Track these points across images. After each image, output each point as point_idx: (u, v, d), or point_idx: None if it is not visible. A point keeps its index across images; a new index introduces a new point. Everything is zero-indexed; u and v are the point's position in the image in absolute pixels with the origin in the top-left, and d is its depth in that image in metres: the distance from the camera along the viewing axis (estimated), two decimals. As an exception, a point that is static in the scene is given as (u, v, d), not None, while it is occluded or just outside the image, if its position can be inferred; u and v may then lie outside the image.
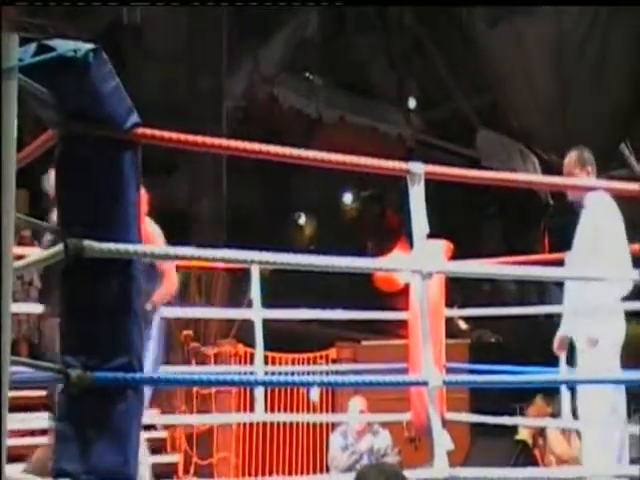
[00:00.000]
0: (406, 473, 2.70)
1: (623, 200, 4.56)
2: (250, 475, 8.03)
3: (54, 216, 4.29)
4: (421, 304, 3.42)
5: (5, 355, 2.11)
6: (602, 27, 13.43)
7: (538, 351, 5.77)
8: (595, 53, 13.53)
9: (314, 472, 8.05)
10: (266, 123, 13.71)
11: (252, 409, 5.70)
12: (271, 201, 14.94)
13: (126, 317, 2.59)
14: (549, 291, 11.90)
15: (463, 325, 12.17)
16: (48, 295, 4.32)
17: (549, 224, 14.14)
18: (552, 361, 5.05)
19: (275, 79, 13.89)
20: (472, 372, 6.35)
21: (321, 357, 8.32)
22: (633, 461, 4.57)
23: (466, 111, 15.39)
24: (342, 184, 15.43)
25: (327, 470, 7.28)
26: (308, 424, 8.34)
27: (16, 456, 3.87)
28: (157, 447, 7.55)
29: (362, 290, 10.72)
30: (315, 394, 7.96)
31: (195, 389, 7.58)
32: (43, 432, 4.99)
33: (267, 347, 5.54)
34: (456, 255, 5.62)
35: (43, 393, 4.71)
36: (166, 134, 2.81)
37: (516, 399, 8.24)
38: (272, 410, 7.06)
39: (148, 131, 2.69)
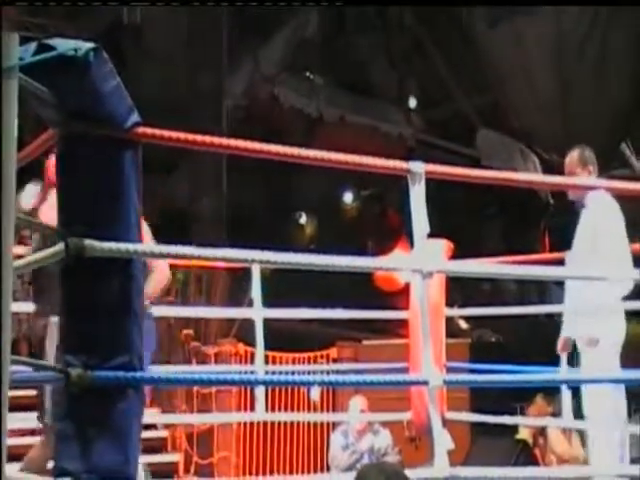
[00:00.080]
0: (407, 472, 2.70)
1: (624, 200, 4.56)
2: (251, 474, 8.03)
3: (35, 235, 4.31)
4: (421, 303, 3.42)
5: (5, 354, 2.11)
6: (602, 27, 13.43)
7: (538, 350, 5.77)
8: (595, 53, 13.53)
9: (315, 471, 8.05)
10: (266, 122, 13.71)
11: (253, 408, 5.70)
12: (272, 200, 14.93)
13: (126, 316, 2.59)
14: (549, 291, 11.89)
15: (463, 324, 12.17)
16: (38, 295, 4.32)
17: (549, 224, 14.13)
18: (553, 361, 5.05)
19: (275, 79, 13.88)
20: (472, 371, 6.34)
21: (322, 356, 8.32)
22: (633, 461, 4.58)
23: (467, 111, 15.38)
24: (343, 183, 15.42)
25: (328, 469, 7.29)
26: (309, 423, 8.34)
27: (16, 456, 3.86)
28: (157, 446, 7.56)
29: (363, 289, 10.72)
30: (316, 393, 7.97)
31: (195, 388, 7.58)
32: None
33: (268, 346, 5.54)
34: (456, 255, 5.61)
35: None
36: (166, 133, 2.81)
37: (516, 398, 8.25)
38: (273, 409, 7.06)
39: (149, 130, 2.69)
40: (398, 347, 6.65)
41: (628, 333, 4.60)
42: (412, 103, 15.58)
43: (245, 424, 8.13)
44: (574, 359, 4.80)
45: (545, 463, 7.13)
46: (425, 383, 3.39)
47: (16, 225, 2.20)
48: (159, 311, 6.80)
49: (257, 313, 5.53)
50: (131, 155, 2.62)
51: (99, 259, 2.52)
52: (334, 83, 14.73)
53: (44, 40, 2.39)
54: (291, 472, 8.18)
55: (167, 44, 13.00)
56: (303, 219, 15.73)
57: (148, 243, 4.02)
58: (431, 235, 3.42)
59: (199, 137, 2.92)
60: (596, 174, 4.79)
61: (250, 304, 5.66)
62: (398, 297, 9.69)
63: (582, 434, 6.81)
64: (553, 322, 6.24)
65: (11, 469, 2.43)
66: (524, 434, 7.37)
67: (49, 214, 4.12)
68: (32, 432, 5.93)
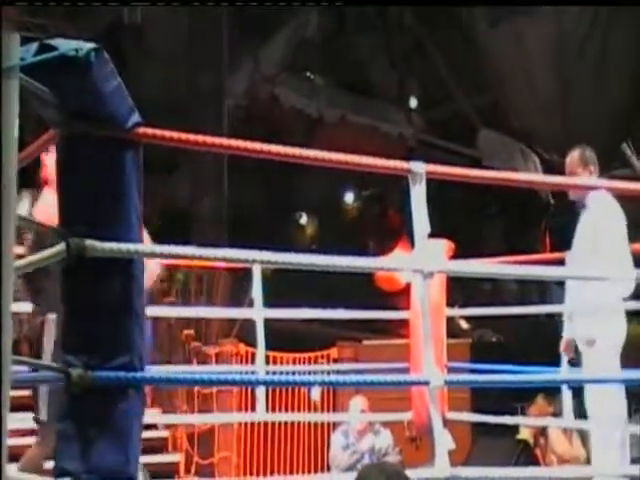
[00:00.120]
0: (407, 473, 2.70)
1: (625, 200, 4.56)
2: (251, 474, 8.03)
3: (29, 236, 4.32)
4: (422, 303, 3.42)
5: (6, 354, 2.11)
6: (602, 27, 13.43)
7: (539, 351, 5.77)
8: (595, 53, 13.53)
9: (315, 471, 8.05)
10: (267, 123, 13.71)
11: (253, 409, 5.70)
12: (272, 200, 14.93)
13: (127, 316, 2.59)
14: (550, 291, 11.89)
15: (464, 325, 12.17)
16: (35, 293, 4.32)
17: (550, 224, 14.12)
18: (553, 361, 5.05)
19: (276, 79, 13.89)
20: (473, 372, 6.34)
21: (322, 357, 8.32)
22: (634, 461, 4.57)
23: (467, 111, 15.38)
24: (343, 184, 15.43)
25: (328, 469, 7.29)
26: (309, 423, 8.34)
27: (16, 456, 3.86)
28: (158, 446, 7.56)
29: (363, 290, 10.72)
30: (316, 393, 7.97)
31: (196, 389, 7.58)
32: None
33: (268, 347, 5.54)
34: (457, 255, 5.61)
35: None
36: (167, 133, 2.81)
37: (517, 399, 8.24)
38: (273, 410, 7.06)
39: (149, 130, 2.69)
40: (399, 347, 6.65)
41: (629, 334, 4.59)
42: (412, 103, 15.58)
43: (246, 424, 8.13)
44: (579, 359, 4.79)
45: (546, 463, 7.13)
46: (426, 383, 3.39)
47: (17, 225, 2.20)
48: (160, 311, 6.82)
49: (258, 313, 5.53)
50: (132, 155, 2.62)
51: (100, 259, 2.53)
52: (334, 83, 14.74)
53: (45, 40, 2.39)
54: (292, 472, 8.18)
55: (168, 44, 13.01)
56: (304, 219, 15.73)
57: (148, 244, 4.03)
58: (432, 235, 3.42)
59: (200, 137, 2.93)
60: (597, 174, 4.78)
61: (251, 304, 5.66)
62: (399, 297, 9.69)
63: (583, 434, 6.82)
64: (554, 322, 6.24)
65: (11, 469, 2.43)
66: (525, 434, 7.37)
67: (43, 212, 4.12)
68: (31, 432, 5.93)
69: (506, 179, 4.14)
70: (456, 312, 7.51)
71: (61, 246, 2.53)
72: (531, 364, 5.16)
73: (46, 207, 4.16)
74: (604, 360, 4.45)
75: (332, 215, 15.64)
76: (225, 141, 3.22)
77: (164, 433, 7.81)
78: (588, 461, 6.05)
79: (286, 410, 7.82)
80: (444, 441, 3.45)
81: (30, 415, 4.41)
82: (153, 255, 2.78)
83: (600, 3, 12.76)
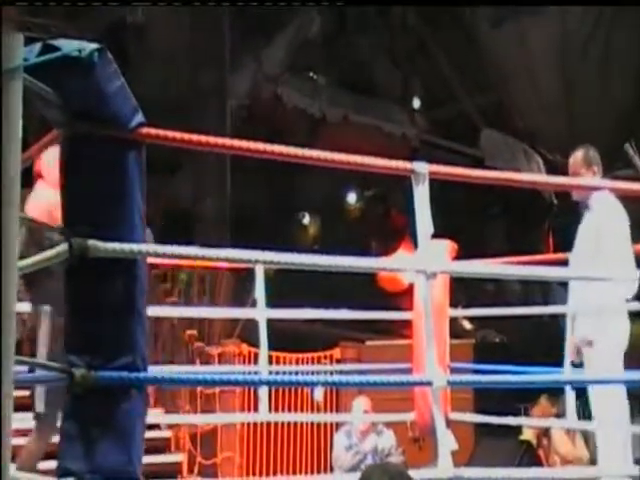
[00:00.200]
0: (410, 473, 2.69)
1: (628, 200, 4.55)
2: (254, 475, 8.03)
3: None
4: (425, 304, 3.41)
5: (9, 354, 2.11)
6: (606, 27, 13.41)
7: (542, 351, 5.76)
8: (599, 53, 13.52)
9: (318, 472, 8.05)
10: (269, 123, 13.71)
11: (256, 409, 5.69)
12: (275, 201, 14.93)
13: (130, 317, 2.59)
14: (553, 291, 11.88)
15: (467, 325, 12.16)
16: (29, 287, 4.33)
17: (553, 224, 14.11)
18: (556, 361, 5.04)
19: (278, 79, 13.89)
20: (476, 372, 6.34)
21: (325, 357, 8.32)
22: (637, 462, 4.56)
23: (470, 111, 15.37)
24: (346, 184, 15.43)
25: (331, 470, 7.28)
26: (312, 424, 8.34)
27: (16, 455, 3.86)
28: (161, 447, 7.56)
29: (366, 290, 10.72)
30: (319, 394, 7.97)
31: (199, 389, 7.57)
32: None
33: (271, 347, 5.53)
34: (460, 255, 5.61)
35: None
36: (170, 134, 2.81)
37: (520, 399, 8.23)
38: (276, 410, 7.06)
39: (152, 131, 2.69)
40: (402, 348, 6.64)
41: (631, 335, 4.58)
42: (416, 103, 15.58)
43: (249, 424, 8.12)
44: (582, 360, 4.78)
45: (549, 464, 7.13)
46: (429, 384, 3.39)
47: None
48: (163, 311, 6.82)
49: (261, 313, 5.53)
50: (135, 155, 2.62)
51: (103, 259, 2.53)
52: (337, 83, 14.74)
53: (49, 41, 2.39)
54: (294, 472, 8.18)
55: (170, 44, 13.01)
56: (306, 219, 15.73)
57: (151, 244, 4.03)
58: (435, 235, 3.41)
59: (203, 138, 2.93)
60: (600, 175, 4.76)
61: (254, 304, 5.65)
62: (402, 298, 9.68)
63: (586, 435, 6.81)
64: (557, 323, 6.23)
65: (12, 468, 2.43)
66: (528, 435, 7.36)
67: (36, 207, 4.12)
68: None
69: (509, 179, 4.13)
70: (459, 312, 7.50)
71: (64, 246, 2.53)
72: (534, 365, 5.15)
73: (38, 202, 4.16)
74: (606, 361, 4.44)
75: (335, 215, 15.64)
76: (228, 141, 3.22)
77: (167, 433, 7.81)
78: (591, 462, 6.05)
79: (289, 410, 7.82)
80: (447, 442, 3.44)
81: (30, 415, 4.41)
82: (156, 256, 2.78)
83: (601, 3, 12.74)
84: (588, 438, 6.72)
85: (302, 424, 8.33)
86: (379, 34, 15.19)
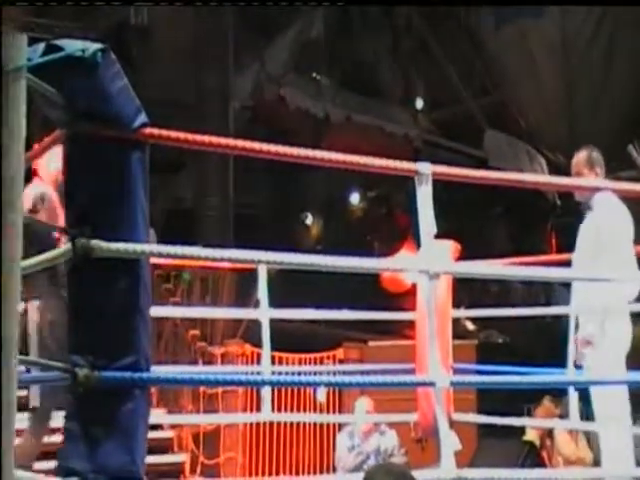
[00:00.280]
0: (413, 473, 2.69)
1: (632, 201, 4.54)
2: (257, 475, 8.04)
3: None
4: (428, 304, 3.41)
5: (12, 354, 2.11)
6: (609, 27, 13.40)
7: (545, 352, 5.75)
8: (602, 53, 13.50)
9: (321, 472, 8.05)
10: (273, 123, 13.71)
11: (259, 409, 5.69)
12: (278, 201, 14.94)
13: (133, 317, 2.59)
14: (556, 292, 11.87)
15: (470, 326, 12.15)
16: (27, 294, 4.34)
17: (556, 225, 14.11)
18: (559, 362, 5.04)
19: (282, 79, 13.89)
20: (479, 373, 6.33)
21: (328, 357, 8.32)
22: (638, 463, 4.55)
23: (473, 111, 15.37)
24: (349, 184, 15.43)
25: (334, 470, 7.28)
26: (315, 424, 8.34)
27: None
28: (164, 447, 7.56)
29: (369, 290, 10.72)
30: (322, 394, 7.96)
31: (202, 389, 7.58)
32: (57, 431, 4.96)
33: (274, 347, 5.53)
34: (463, 256, 5.60)
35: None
36: (173, 134, 2.81)
37: (524, 400, 8.23)
38: (279, 410, 7.05)
39: (156, 131, 2.69)
40: (404, 348, 6.64)
41: (634, 336, 4.57)
42: (419, 104, 15.57)
43: (251, 425, 8.13)
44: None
45: (552, 465, 7.13)
46: (432, 384, 3.38)
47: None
48: (166, 311, 6.83)
49: (263, 314, 5.53)
50: (138, 155, 2.62)
51: (106, 259, 2.53)
52: (340, 84, 14.73)
53: (52, 41, 2.40)
54: (297, 473, 8.18)
55: (174, 45, 13.01)
56: (309, 220, 15.73)
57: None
58: (438, 236, 3.41)
59: (206, 138, 2.93)
60: (603, 176, 4.75)
61: (257, 305, 5.65)
62: (404, 298, 9.68)
63: (589, 436, 6.80)
64: (560, 324, 6.22)
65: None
66: (531, 436, 7.36)
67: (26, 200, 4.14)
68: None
69: (512, 180, 4.13)
70: (462, 313, 7.51)
71: (67, 246, 2.53)
72: (537, 365, 5.14)
73: (26, 196, 4.15)
74: (608, 362, 4.43)
75: (338, 216, 15.65)
76: (231, 142, 3.22)
77: (169, 433, 7.82)
78: (594, 463, 6.04)
79: (292, 411, 7.82)
80: (450, 442, 3.44)
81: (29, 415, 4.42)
82: (159, 256, 2.78)
83: (602, 3, 12.72)
84: (591, 439, 6.71)
85: (305, 424, 8.33)
86: (382, 35, 15.19)
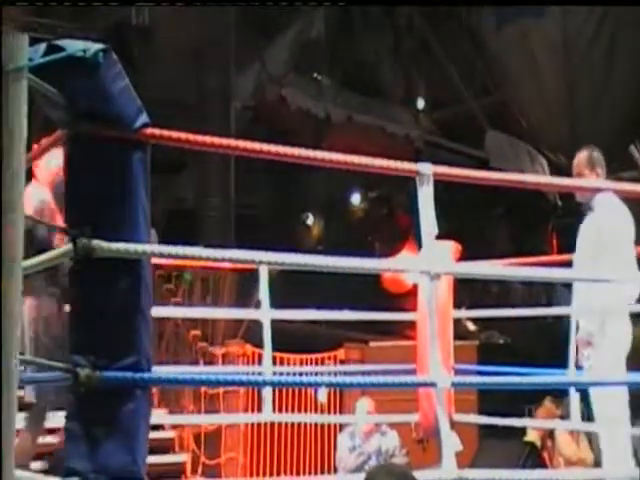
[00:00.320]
0: (414, 474, 2.69)
1: (633, 202, 4.53)
2: (258, 475, 8.04)
3: None
4: (429, 305, 3.41)
5: (13, 354, 2.11)
6: (610, 27, 13.38)
7: (547, 352, 5.75)
8: (603, 53, 13.48)
9: (322, 473, 8.05)
10: (274, 123, 13.72)
11: (260, 409, 5.69)
12: (279, 201, 14.94)
13: (135, 317, 2.59)
14: (557, 292, 11.87)
15: (471, 326, 12.15)
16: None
17: (558, 225, 14.10)
18: (561, 363, 5.03)
19: (283, 80, 13.89)
20: (480, 373, 6.33)
21: (329, 358, 8.32)
22: (638, 463, 4.55)
23: (474, 112, 15.36)
24: (350, 185, 15.43)
25: (335, 471, 7.28)
26: (316, 425, 8.34)
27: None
28: (165, 447, 7.56)
29: (370, 291, 10.71)
30: (323, 395, 7.96)
31: (203, 389, 7.58)
32: (52, 431, 4.97)
33: (275, 348, 5.53)
34: (464, 256, 5.60)
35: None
36: (175, 134, 2.81)
37: (525, 401, 8.23)
38: (280, 410, 7.05)
39: (157, 131, 2.69)
40: (406, 349, 6.63)
41: (634, 337, 4.57)
42: (420, 104, 15.57)
43: (252, 425, 8.13)
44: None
45: (553, 465, 7.12)
46: (433, 385, 3.38)
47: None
48: (167, 312, 6.83)
49: (264, 314, 5.53)
50: (140, 156, 2.62)
51: (108, 259, 2.53)
52: (342, 84, 14.73)
53: (54, 41, 2.40)
54: (298, 473, 8.18)
55: (175, 45, 13.01)
56: (310, 220, 15.73)
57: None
58: (439, 236, 3.41)
59: (207, 138, 2.93)
60: (604, 176, 4.74)
61: (258, 305, 5.65)
62: (405, 298, 9.68)
63: (590, 437, 6.79)
64: (561, 324, 6.22)
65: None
66: (532, 436, 7.35)
67: (27, 205, 4.14)
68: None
69: (513, 181, 4.13)
70: (463, 314, 7.50)
71: (69, 246, 2.54)
72: (538, 366, 5.14)
73: (30, 202, 4.15)
74: (608, 363, 4.42)
75: (339, 216, 15.65)
76: (232, 142, 3.22)
77: (171, 433, 7.82)
78: (595, 464, 6.03)
79: (293, 411, 7.82)
80: (451, 443, 3.44)
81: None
82: (161, 256, 2.78)
83: (603, 3, 12.71)
84: (592, 440, 6.71)
85: (306, 425, 8.33)
86: (383, 35, 15.19)
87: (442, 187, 3.42)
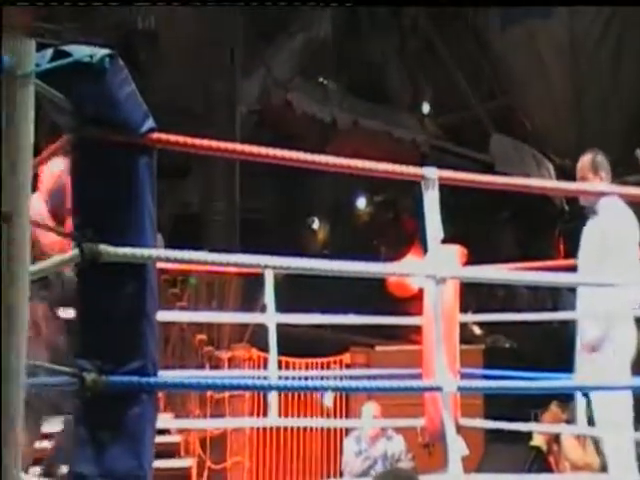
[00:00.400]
0: (420, 479, 2.69)
1: (638, 206, 4.52)
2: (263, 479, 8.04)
3: None
4: (435, 309, 3.41)
5: (20, 359, 2.12)
6: (618, 28, 13.35)
7: (553, 357, 5.74)
8: (610, 55, 13.45)
9: (328, 477, 8.05)
10: (280, 128, 13.73)
11: (265, 414, 5.69)
12: (284, 205, 14.95)
13: (140, 321, 2.60)
14: (563, 297, 11.84)
15: (477, 330, 12.13)
16: None
17: (564, 230, 14.07)
18: (566, 367, 5.02)
19: (289, 84, 13.90)
20: (486, 378, 6.32)
21: (335, 362, 8.32)
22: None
23: (480, 116, 15.36)
24: (355, 189, 15.43)
25: (341, 475, 7.28)
26: (322, 429, 8.34)
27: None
28: (171, 451, 7.57)
29: (375, 295, 10.71)
30: (329, 399, 7.96)
31: (209, 393, 7.59)
32: (47, 436, 4.96)
33: (280, 352, 5.53)
34: (470, 260, 5.59)
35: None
36: (181, 139, 2.81)
37: (531, 405, 8.21)
38: (286, 415, 7.06)
39: (163, 136, 2.70)
40: (411, 353, 6.63)
41: (639, 342, 4.55)
42: (425, 109, 15.57)
43: (258, 429, 8.13)
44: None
45: (559, 470, 7.10)
46: (439, 389, 3.38)
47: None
48: (172, 316, 6.84)
49: (270, 318, 5.53)
50: (146, 161, 2.63)
51: (114, 264, 2.53)
52: (347, 89, 14.74)
53: (60, 47, 2.41)
54: (304, 478, 8.18)
55: (181, 50, 13.04)
56: (316, 224, 15.73)
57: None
58: (445, 241, 3.41)
59: (213, 143, 2.93)
60: (609, 180, 4.72)
61: (263, 309, 5.66)
62: (411, 303, 9.67)
63: (596, 441, 6.78)
64: (567, 328, 6.21)
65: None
66: (538, 441, 7.34)
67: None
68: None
69: (519, 185, 4.12)
70: (469, 318, 7.48)
71: (75, 251, 2.54)
72: (544, 370, 5.13)
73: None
74: (613, 368, 4.41)
75: (344, 220, 15.65)
76: (238, 146, 3.22)
77: (177, 438, 7.83)
78: (602, 468, 6.02)
79: (298, 415, 7.82)
80: (457, 447, 3.44)
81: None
82: (167, 260, 2.79)
83: (603, 3, 12.67)
84: (599, 444, 6.69)
85: (312, 429, 8.33)
86: (391, 40, 15.19)
87: (448, 191, 3.42)
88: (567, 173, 12.12)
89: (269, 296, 5.47)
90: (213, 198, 12.35)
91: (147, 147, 2.64)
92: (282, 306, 5.59)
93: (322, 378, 7.31)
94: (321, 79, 14.57)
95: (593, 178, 4.65)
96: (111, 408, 2.53)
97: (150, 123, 2.63)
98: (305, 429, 8.32)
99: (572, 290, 5.97)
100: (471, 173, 3.76)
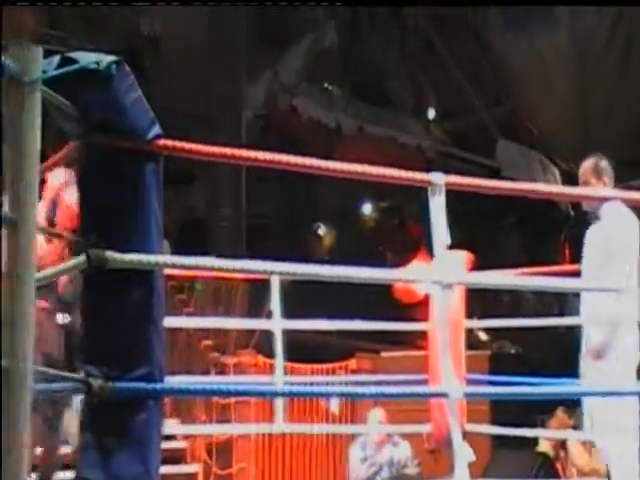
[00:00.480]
0: (427, 485, 2.69)
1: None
2: (269, 486, 8.03)
3: None
4: (441, 315, 3.41)
5: (27, 363, 2.12)
6: (625, 30, 13.30)
7: (559, 362, 5.72)
8: (617, 58, 13.40)
9: (333, 483, 8.04)
10: (285, 133, 13.74)
11: (271, 419, 5.69)
12: (290, 211, 14.95)
13: (147, 327, 2.60)
14: (569, 302, 11.81)
15: (483, 336, 12.11)
16: None
17: (570, 235, 14.04)
18: (573, 373, 5.01)
19: (294, 89, 13.91)
20: (492, 384, 6.31)
21: (340, 368, 8.31)
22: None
23: (486, 121, 15.35)
24: (361, 194, 15.43)
25: (347, 481, 7.27)
26: (327, 435, 8.33)
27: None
28: (177, 457, 7.57)
29: (381, 301, 10.70)
30: (335, 405, 7.96)
31: (215, 399, 7.58)
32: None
33: (286, 358, 5.53)
34: (476, 266, 5.59)
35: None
36: (187, 145, 2.82)
37: (537, 411, 8.18)
38: (292, 421, 7.04)
39: (170, 142, 2.71)
40: (417, 359, 6.62)
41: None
42: (431, 114, 15.57)
43: (264, 435, 8.11)
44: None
45: (566, 476, 7.09)
46: (445, 395, 3.38)
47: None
48: (179, 322, 6.84)
49: (276, 324, 5.53)
50: (153, 167, 2.64)
51: (120, 270, 2.54)
52: (353, 94, 14.75)
53: (67, 53, 2.41)
54: (310, 484, 8.17)
55: (186, 55, 13.06)
56: (322, 230, 15.73)
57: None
58: (451, 246, 3.41)
59: (220, 149, 2.94)
60: (612, 185, 4.70)
61: (269, 315, 5.66)
62: (417, 308, 9.66)
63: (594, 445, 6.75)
64: (573, 334, 6.20)
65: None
66: (545, 447, 7.32)
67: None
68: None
69: (525, 190, 4.12)
70: (475, 324, 7.47)
71: (82, 257, 2.55)
72: (550, 376, 5.12)
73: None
74: (617, 373, 4.39)
75: (350, 226, 15.64)
76: (244, 152, 3.22)
77: (183, 443, 7.83)
78: (608, 474, 5.99)
79: (304, 421, 7.81)
80: (463, 453, 3.43)
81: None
82: (173, 267, 2.79)
83: (604, 3, 12.64)
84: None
85: (317, 435, 8.32)
86: (396, 45, 15.20)
87: (454, 197, 3.42)
88: (573, 178, 12.10)
89: (275, 302, 5.48)
90: (219, 204, 12.36)
91: (154, 153, 2.65)
92: (288, 312, 5.59)
93: (328, 384, 7.31)
94: (326, 85, 14.58)
95: (596, 183, 4.64)
96: (118, 414, 2.53)
97: (156, 129, 2.64)
98: (311, 435, 8.30)
99: (578, 295, 5.96)
100: (477, 178, 3.76)
